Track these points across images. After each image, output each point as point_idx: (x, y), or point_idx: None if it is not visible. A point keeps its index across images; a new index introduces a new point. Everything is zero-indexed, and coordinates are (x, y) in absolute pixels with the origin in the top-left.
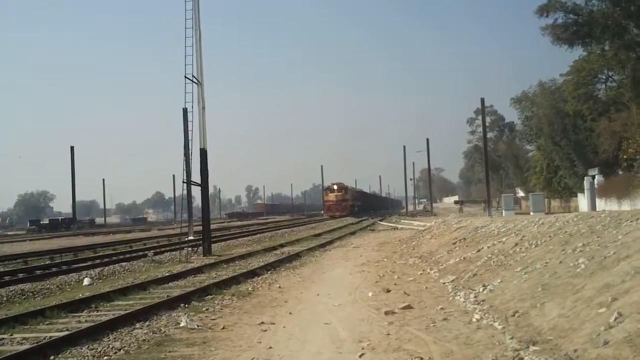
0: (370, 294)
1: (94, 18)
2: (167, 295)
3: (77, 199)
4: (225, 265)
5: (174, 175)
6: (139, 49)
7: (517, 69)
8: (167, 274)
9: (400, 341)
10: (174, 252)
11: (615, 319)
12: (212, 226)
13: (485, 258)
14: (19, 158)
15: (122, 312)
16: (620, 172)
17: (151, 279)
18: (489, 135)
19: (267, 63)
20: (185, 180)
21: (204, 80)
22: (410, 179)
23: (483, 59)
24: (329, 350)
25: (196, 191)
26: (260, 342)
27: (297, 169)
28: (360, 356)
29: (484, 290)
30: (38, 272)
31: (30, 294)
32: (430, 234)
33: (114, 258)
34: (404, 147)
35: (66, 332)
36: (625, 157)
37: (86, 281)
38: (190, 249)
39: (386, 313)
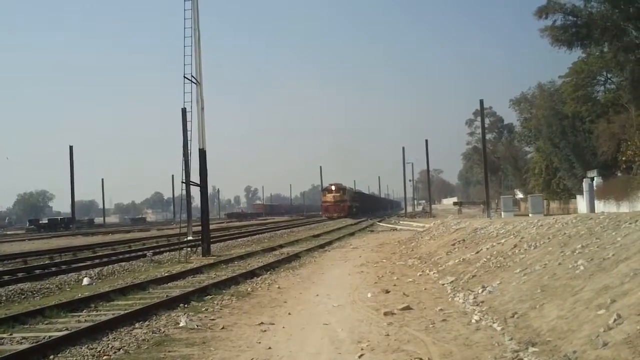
0: (369, 295)
1: (92, 18)
2: (167, 295)
3: (76, 198)
4: (224, 266)
5: (173, 176)
6: (138, 49)
7: (516, 70)
8: (166, 274)
9: (400, 342)
10: (173, 252)
11: (614, 320)
12: (211, 226)
13: (484, 259)
14: (6, 159)
15: (122, 312)
16: (619, 174)
17: (150, 279)
18: (488, 136)
19: (266, 63)
20: (184, 181)
21: (202, 81)
22: (409, 180)
23: (482, 61)
24: (328, 350)
25: (195, 191)
26: (259, 343)
27: (296, 170)
28: (359, 357)
29: (483, 291)
30: (37, 271)
31: (30, 293)
32: (430, 235)
33: (113, 258)
34: (403, 148)
35: (66, 332)
36: (624, 159)
37: (85, 281)
38: (189, 249)
39: (385, 314)
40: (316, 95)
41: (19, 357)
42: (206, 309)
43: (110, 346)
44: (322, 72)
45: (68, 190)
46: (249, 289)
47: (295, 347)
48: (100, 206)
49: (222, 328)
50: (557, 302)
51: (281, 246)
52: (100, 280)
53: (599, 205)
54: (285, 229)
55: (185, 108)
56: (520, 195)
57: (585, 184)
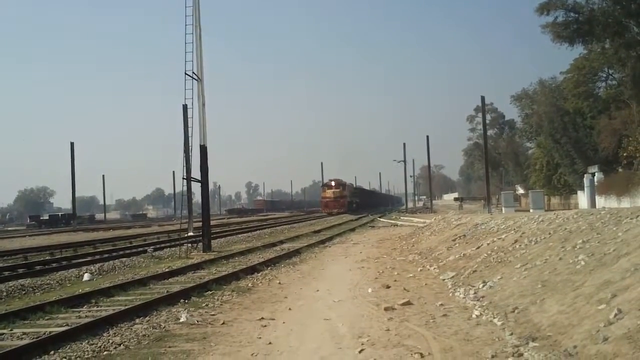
0: (369, 290)
1: (93, 15)
2: (167, 291)
3: (77, 195)
4: (225, 262)
5: (174, 172)
6: (139, 45)
7: (517, 66)
8: (167, 270)
9: (400, 337)
10: (173, 248)
11: (615, 315)
12: (212, 222)
13: (485, 255)
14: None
15: (122, 308)
16: (620, 170)
17: (151, 274)
18: (489, 132)
19: (268, 59)
20: (185, 177)
21: (204, 77)
22: (410, 176)
23: (483, 57)
24: (328, 345)
25: (196, 187)
26: (260, 338)
27: (297, 166)
28: (359, 352)
29: (483, 286)
30: (38, 267)
31: (30, 289)
32: (430, 230)
33: (114, 254)
34: (404, 144)
35: (66, 327)
36: (625, 154)
37: (86, 277)
38: (190, 245)
39: (386, 309)
40: (317, 92)
41: (19, 353)
42: (207, 305)
43: (110, 341)
44: (323, 69)
45: (69, 187)
46: (249, 285)
47: (295, 342)
48: (101, 202)
49: (223, 323)
50: (557, 297)
51: (282, 242)
52: (100, 276)
53: (600, 201)
54: (285, 224)
55: (186, 104)
56: (521, 190)
57: (586, 180)
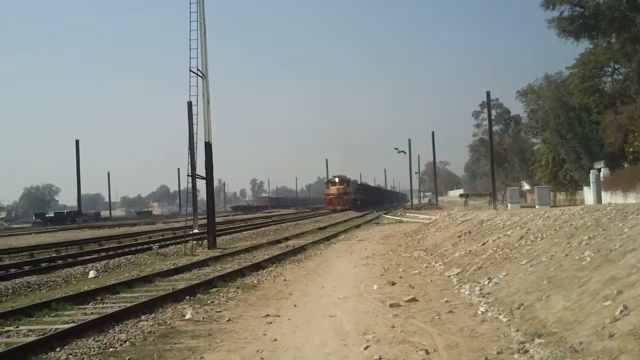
0: (375, 287)
1: (94, 13)
2: (173, 288)
3: (82, 192)
4: (230, 258)
5: (178, 169)
6: (145, 43)
7: (523, 61)
8: (172, 267)
9: (405, 333)
10: (179, 245)
11: (621, 311)
12: (217, 219)
13: (491, 251)
14: (16, 140)
15: (128, 305)
16: (626, 165)
17: (156, 271)
18: (495, 128)
19: (271, 57)
20: (190, 174)
21: (208, 74)
22: (415, 173)
23: (488, 52)
24: (333, 342)
25: (201, 185)
26: (265, 334)
27: (302, 163)
28: (365, 348)
29: (489, 283)
30: (44, 264)
31: (36, 286)
32: (436, 227)
33: (119, 251)
34: (409, 140)
35: (72, 324)
36: (631, 150)
37: (92, 274)
38: (195, 242)
39: (391, 306)
40: (321, 89)
41: (25, 349)
42: (212, 302)
43: (116, 338)
44: (325, 67)
45: (74, 184)
46: (254, 282)
47: (301, 339)
48: (107, 199)
49: (228, 320)
50: (563, 294)
51: (287, 239)
52: (106, 273)
53: (606, 197)
54: (291, 221)
55: (191, 102)
56: (526, 186)
57: (592, 176)
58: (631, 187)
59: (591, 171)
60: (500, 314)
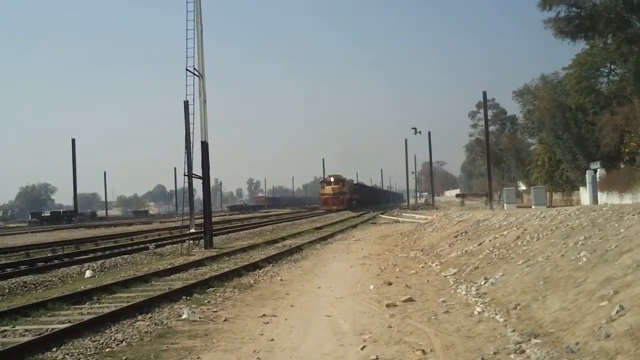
0: (371, 287)
1: (94, 12)
2: (169, 288)
3: (79, 191)
4: (226, 258)
5: (175, 168)
6: (141, 42)
7: (519, 62)
8: (168, 267)
9: (402, 333)
10: (175, 245)
11: (617, 312)
12: (214, 219)
13: (487, 251)
14: None
15: (124, 305)
16: (622, 166)
17: (153, 271)
18: (491, 128)
19: (268, 56)
20: (186, 173)
21: (205, 73)
22: (412, 173)
23: (485, 52)
24: (330, 342)
25: (197, 184)
26: (262, 334)
27: (299, 162)
28: (361, 348)
29: (485, 283)
30: (40, 264)
31: (32, 286)
32: (432, 227)
33: (116, 250)
34: (406, 140)
35: (68, 324)
36: (627, 150)
37: (88, 273)
38: (191, 241)
39: (388, 306)
40: (317, 88)
41: (21, 349)
42: (209, 301)
43: (112, 338)
44: (325, 66)
45: (70, 183)
46: (251, 281)
47: (297, 339)
48: (103, 199)
49: (225, 320)
50: (559, 294)
51: (283, 238)
52: (102, 273)
53: (602, 197)
54: (287, 221)
55: (187, 101)
56: (523, 187)
57: (588, 176)
58: (627, 188)
59: (587, 171)
60: (496, 314)
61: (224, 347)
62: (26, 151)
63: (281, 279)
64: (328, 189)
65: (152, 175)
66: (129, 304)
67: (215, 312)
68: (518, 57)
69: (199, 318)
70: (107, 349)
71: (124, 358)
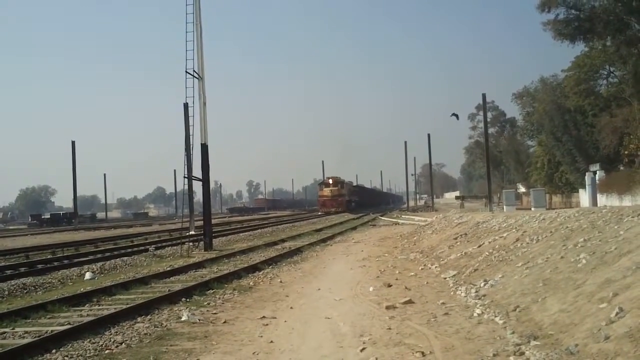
0: (371, 289)
1: (93, 13)
2: (169, 290)
3: (79, 193)
4: (226, 260)
5: (175, 170)
6: (142, 44)
7: (519, 64)
8: (168, 269)
9: (402, 335)
10: (175, 247)
11: (617, 314)
12: (213, 221)
13: (487, 253)
14: None
15: (124, 306)
16: (622, 168)
17: (152, 273)
18: (490, 130)
19: (267, 58)
20: (186, 175)
21: (205, 75)
22: (412, 175)
23: (485, 55)
24: (330, 344)
25: (197, 186)
26: (261, 336)
27: (298, 164)
28: (361, 350)
29: (485, 285)
30: (40, 266)
31: (32, 288)
32: (432, 229)
33: (116, 252)
34: (405, 142)
35: (68, 326)
36: (626, 152)
37: (88, 275)
38: (191, 243)
39: (387, 308)
40: (317, 90)
41: (21, 351)
42: (208, 303)
43: (112, 340)
44: (321, 70)
45: (70, 185)
46: (251, 283)
47: (297, 341)
48: (103, 201)
49: (224, 322)
50: (559, 296)
51: (283, 240)
52: (102, 275)
53: (602, 199)
54: (287, 223)
55: (187, 103)
56: (522, 189)
57: (587, 178)
58: (626, 190)
59: (587, 174)
60: (496, 316)
61: (224, 349)
62: (26, 153)
63: (281, 281)
64: (326, 191)
65: (152, 177)
66: (128, 305)
67: (215, 314)
68: (517, 59)
69: (199, 320)
70: (107, 351)
71: None
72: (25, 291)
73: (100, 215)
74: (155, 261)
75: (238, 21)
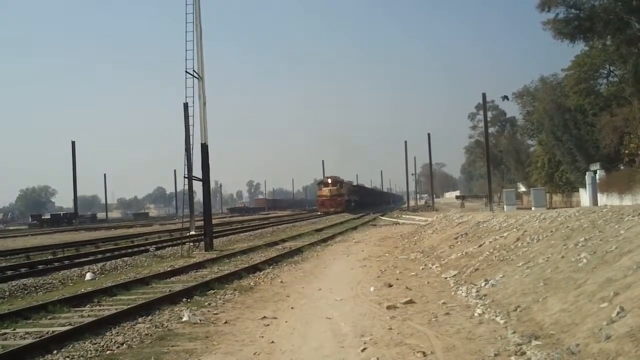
0: (372, 289)
1: (93, 13)
2: (170, 290)
3: (79, 194)
4: (227, 260)
5: (175, 171)
6: (142, 44)
7: (519, 64)
8: (169, 269)
9: (403, 336)
10: (175, 247)
11: (617, 313)
12: (214, 221)
13: (487, 253)
14: None
15: (125, 307)
16: (622, 167)
17: (153, 273)
18: (491, 130)
19: (268, 58)
20: (186, 176)
21: (204, 75)
22: (412, 174)
23: (485, 54)
24: (331, 344)
25: (197, 186)
26: (262, 337)
27: (299, 164)
28: (362, 350)
29: (485, 285)
30: (40, 267)
31: (33, 288)
32: (432, 229)
33: (116, 253)
34: (405, 142)
35: (69, 327)
36: (626, 152)
37: (88, 276)
38: (192, 244)
39: (388, 308)
40: (317, 90)
41: (22, 352)
42: (209, 304)
43: (113, 341)
44: (321, 70)
45: (70, 186)
46: (251, 284)
47: (298, 341)
48: (103, 201)
49: (225, 322)
50: (560, 296)
51: (283, 240)
52: (103, 275)
53: (602, 199)
54: (287, 223)
55: (187, 103)
56: (522, 188)
57: (588, 177)
58: (627, 189)
59: (587, 173)
60: (497, 316)
61: (225, 349)
62: (26, 154)
63: (281, 281)
64: (325, 191)
65: (152, 177)
66: (129, 306)
67: (216, 314)
68: (517, 58)
69: (200, 320)
70: (108, 352)
71: None
72: (26, 292)
73: (101, 215)
74: (155, 261)
75: (238, 21)
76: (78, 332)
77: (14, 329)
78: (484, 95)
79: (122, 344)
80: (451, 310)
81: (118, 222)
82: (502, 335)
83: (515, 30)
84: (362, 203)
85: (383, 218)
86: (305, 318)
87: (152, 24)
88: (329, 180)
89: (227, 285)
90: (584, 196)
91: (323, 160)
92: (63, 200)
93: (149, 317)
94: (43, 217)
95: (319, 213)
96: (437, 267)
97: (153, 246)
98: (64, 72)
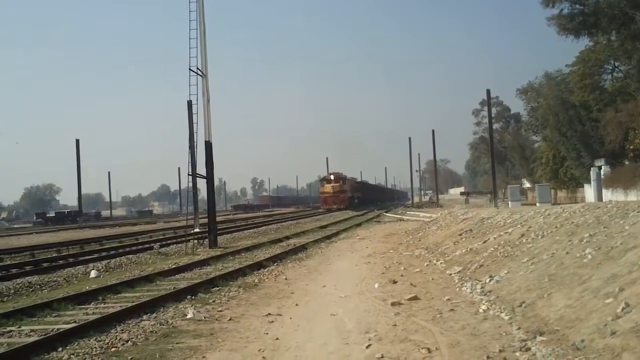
0: (376, 286)
1: (94, 13)
2: (174, 287)
3: (83, 192)
4: (231, 257)
5: (179, 168)
6: (145, 42)
7: (523, 59)
8: (173, 266)
9: (407, 332)
10: (180, 245)
11: (623, 309)
12: (218, 218)
13: (492, 249)
14: (16, 144)
15: (129, 304)
16: (627, 163)
17: (158, 271)
18: (495, 126)
19: (271, 56)
20: (190, 173)
21: (208, 73)
22: (416, 171)
23: (489, 50)
24: (335, 341)
25: (201, 184)
26: (267, 333)
27: (303, 161)
28: (366, 347)
29: (490, 281)
30: (45, 264)
31: (38, 286)
32: (437, 225)
33: (121, 250)
34: (409, 138)
35: (74, 324)
36: (631, 147)
37: (93, 273)
38: (196, 241)
39: (393, 304)
40: (321, 87)
41: (28, 350)
42: (213, 301)
43: (118, 338)
44: (325, 67)
45: (75, 184)
46: (256, 280)
47: (302, 338)
48: (107, 199)
49: (230, 319)
50: (564, 291)
51: (288, 237)
52: (107, 273)
53: (607, 194)
54: (291, 220)
55: (190, 100)
56: (527, 184)
57: (592, 173)
58: (632, 185)
59: (592, 169)
60: (501, 312)
61: (229, 346)
62: (31, 152)
63: (286, 278)
64: (328, 187)
65: (156, 175)
66: (134, 303)
67: (220, 311)
68: (522, 54)
69: (204, 317)
70: (113, 349)
71: (129, 357)
72: (31, 289)
73: (105, 213)
74: (160, 259)
75: (241, 19)
76: (83, 329)
77: (19, 327)
78: (488, 91)
79: (127, 341)
80: (456, 306)
81: (122, 220)
82: (507, 331)
83: (519, 26)
84: (366, 200)
85: (387, 215)
86: (310, 315)
87: (157, 21)
88: (332, 177)
89: (231, 282)
90: (589, 192)
91: (327, 157)
92: (67, 199)
93: (154, 315)
94: (47, 215)
95: (321, 210)
96: (441, 263)
97: (157, 244)
98: (68, 70)
